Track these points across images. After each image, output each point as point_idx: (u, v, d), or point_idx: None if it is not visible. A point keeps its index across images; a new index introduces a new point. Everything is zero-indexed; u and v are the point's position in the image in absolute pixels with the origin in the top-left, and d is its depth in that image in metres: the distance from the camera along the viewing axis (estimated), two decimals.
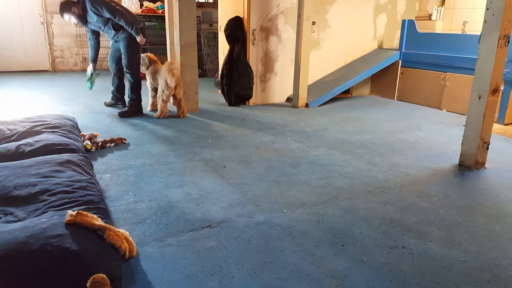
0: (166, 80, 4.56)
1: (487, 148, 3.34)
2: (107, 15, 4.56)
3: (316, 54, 6.10)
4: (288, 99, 5.95)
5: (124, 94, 5.28)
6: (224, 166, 3.24)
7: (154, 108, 5.02)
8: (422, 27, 6.60)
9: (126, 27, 4.63)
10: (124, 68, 4.88)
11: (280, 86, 5.95)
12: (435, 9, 6.90)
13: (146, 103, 5.13)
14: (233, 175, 3.07)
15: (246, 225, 2.31)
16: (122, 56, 4.86)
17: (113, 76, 5.21)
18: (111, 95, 5.35)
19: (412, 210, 2.57)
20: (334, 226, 2.33)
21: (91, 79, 5.11)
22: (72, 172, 2.45)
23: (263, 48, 5.67)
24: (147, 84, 5.05)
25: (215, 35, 7.73)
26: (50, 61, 8.30)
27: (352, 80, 5.98)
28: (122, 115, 4.79)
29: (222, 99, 5.88)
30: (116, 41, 4.89)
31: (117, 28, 4.71)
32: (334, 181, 3.01)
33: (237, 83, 5.46)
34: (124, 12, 4.66)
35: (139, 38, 4.71)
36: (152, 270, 1.87)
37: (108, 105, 5.33)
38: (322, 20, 6.05)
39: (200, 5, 8.56)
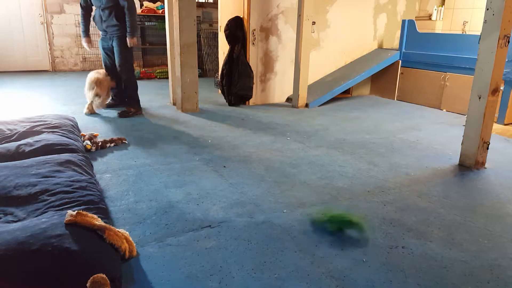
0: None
1: (487, 148, 3.34)
2: (123, 2, 4.54)
3: (316, 54, 6.10)
4: (288, 99, 5.95)
5: (124, 96, 5.21)
6: (224, 166, 3.24)
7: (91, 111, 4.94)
8: (422, 27, 6.61)
9: (128, 25, 4.61)
10: (119, 68, 4.81)
11: (280, 86, 5.95)
12: (435, 9, 6.90)
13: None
14: (233, 175, 3.07)
15: (246, 225, 2.31)
16: (116, 56, 4.79)
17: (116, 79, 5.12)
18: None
19: (412, 210, 2.57)
20: None
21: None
22: (72, 172, 2.46)
23: (263, 48, 5.67)
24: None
25: (215, 35, 7.73)
26: (50, 61, 8.31)
27: (352, 80, 5.98)
28: (122, 115, 4.79)
29: (222, 99, 5.88)
30: (109, 38, 4.76)
31: (118, 19, 4.62)
32: (334, 181, 3.01)
33: (237, 83, 5.46)
34: (135, 13, 4.70)
35: (130, 40, 4.67)
36: (152, 270, 1.87)
37: (107, 106, 5.27)
38: (322, 20, 6.05)
39: (200, 5, 8.57)
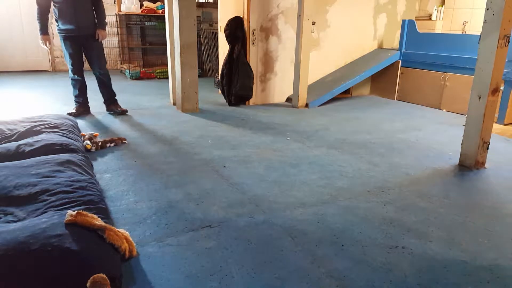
0: None
1: (487, 148, 3.33)
2: None
3: (316, 54, 6.10)
4: (288, 99, 5.95)
5: (107, 95, 4.84)
6: (224, 166, 3.24)
7: None
8: (422, 27, 6.60)
9: (101, 16, 4.41)
10: (100, 69, 4.58)
11: (280, 86, 5.95)
12: (435, 9, 6.90)
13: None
14: (233, 175, 3.07)
15: (246, 225, 2.31)
16: (95, 57, 4.51)
17: (81, 80, 4.63)
18: (77, 103, 4.74)
19: (412, 210, 2.57)
20: (334, 226, 2.33)
21: None
22: (72, 172, 2.45)
23: (263, 48, 5.67)
24: None
25: (215, 35, 7.73)
26: (50, 61, 8.31)
27: (352, 80, 5.98)
28: (121, 113, 4.84)
29: (222, 99, 5.88)
30: (81, 35, 4.34)
31: (93, 11, 4.35)
32: (334, 181, 3.01)
33: (237, 83, 5.46)
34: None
35: (103, 32, 4.46)
36: (152, 270, 1.87)
37: (76, 114, 4.65)
38: (322, 20, 6.05)
39: (200, 5, 8.56)
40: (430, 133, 4.42)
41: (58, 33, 4.41)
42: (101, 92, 4.83)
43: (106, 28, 4.62)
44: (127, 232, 1.96)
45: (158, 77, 8.04)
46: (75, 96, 4.72)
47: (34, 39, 8.06)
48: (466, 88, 4.96)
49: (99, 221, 1.84)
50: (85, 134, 3.59)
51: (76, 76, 4.59)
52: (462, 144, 3.41)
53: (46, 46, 4.48)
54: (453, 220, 2.44)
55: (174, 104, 5.52)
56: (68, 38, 4.39)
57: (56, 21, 4.39)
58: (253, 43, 5.56)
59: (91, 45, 4.51)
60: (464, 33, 6.53)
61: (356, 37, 6.46)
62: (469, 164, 3.34)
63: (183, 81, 4.97)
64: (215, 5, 8.26)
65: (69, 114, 4.54)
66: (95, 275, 1.53)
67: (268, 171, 3.17)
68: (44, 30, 4.38)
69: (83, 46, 4.52)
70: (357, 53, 6.56)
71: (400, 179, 3.09)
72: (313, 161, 3.43)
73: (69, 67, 4.56)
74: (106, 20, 4.56)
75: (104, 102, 4.90)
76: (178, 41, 4.87)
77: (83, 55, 4.63)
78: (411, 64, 6.10)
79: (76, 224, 1.76)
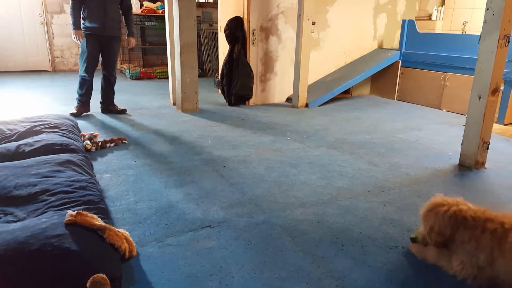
0: None
1: (487, 148, 3.33)
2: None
3: (316, 54, 6.10)
4: (288, 99, 5.95)
5: (109, 95, 4.91)
6: (224, 166, 3.24)
7: None
8: (422, 27, 6.61)
9: (131, 24, 4.67)
10: (112, 71, 4.70)
11: (280, 86, 5.95)
12: (435, 9, 6.91)
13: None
14: (233, 175, 3.07)
15: (246, 225, 2.31)
16: (111, 59, 4.64)
17: (91, 80, 4.66)
18: (79, 102, 4.73)
19: (412, 210, 2.57)
20: (334, 226, 2.33)
21: None
22: (72, 172, 2.45)
23: (263, 48, 5.67)
24: None
25: (215, 35, 7.74)
26: (50, 61, 8.31)
27: (352, 80, 5.98)
28: (122, 112, 4.88)
29: (222, 99, 5.88)
30: (106, 36, 4.47)
31: (121, 16, 4.55)
32: (334, 181, 3.01)
33: (237, 83, 5.46)
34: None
35: (133, 40, 4.81)
36: (152, 270, 1.87)
37: (77, 114, 4.65)
38: (322, 20, 6.05)
39: (200, 5, 8.56)
40: (430, 133, 4.42)
41: (83, 31, 4.47)
42: (104, 92, 4.85)
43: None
44: (127, 232, 1.96)
45: (158, 77, 8.04)
46: (80, 95, 4.70)
47: (34, 39, 8.08)
48: (466, 88, 4.96)
49: (99, 221, 1.84)
50: (85, 134, 3.58)
51: (86, 75, 4.59)
52: (462, 144, 3.41)
53: (79, 40, 4.51)
54: None
55: (174, 104, 5.52)
56: (92, 36, 4.47)
57: (83, 19, 4.46)
58: (253, 43, 5.56)
59: (111, 47, 4.61)
60: (464, 33, 6.53)
61: (356, 37, 6.46)
62: (469, 164, 3.34)
63: (183, 81, 4.97)
64: (215, 5, 8.26)
65: (71, 114, 4.51)
66: (95, 275, 1.53)
67: (268, 171, 3.17)
68: (77, 25, 4.43)
69: (103, 47, 4.58)
70: (357, 53, 6.56)
71: (400, 179, 3.09)
72: (313, 161, 3.43)
73: (83, 65, 4.57)
74: (132, 26, 4.78)
75: (102, 103, 4.90)
76: (178, 41, 4.87)
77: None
78: (411, 64, 6.10)
79: (76, 224, 1.76)
